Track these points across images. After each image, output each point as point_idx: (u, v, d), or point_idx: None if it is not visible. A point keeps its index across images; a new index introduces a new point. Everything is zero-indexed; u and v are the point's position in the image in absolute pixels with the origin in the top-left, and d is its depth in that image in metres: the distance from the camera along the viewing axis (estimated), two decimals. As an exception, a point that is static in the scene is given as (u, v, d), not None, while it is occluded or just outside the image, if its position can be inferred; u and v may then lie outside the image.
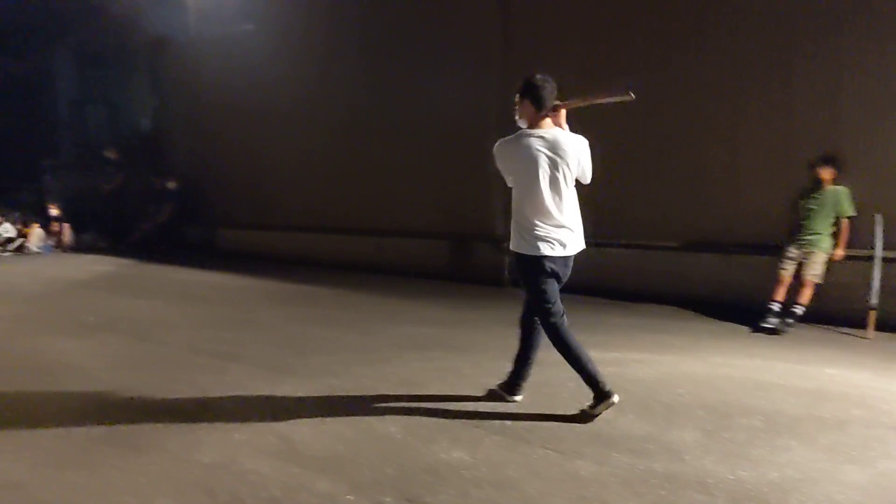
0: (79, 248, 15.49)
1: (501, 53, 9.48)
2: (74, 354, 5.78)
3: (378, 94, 11.17)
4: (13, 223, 15.86)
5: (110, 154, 16.23)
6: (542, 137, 4.09)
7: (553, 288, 4.15)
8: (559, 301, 4.18)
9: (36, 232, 15.40)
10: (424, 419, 4.14)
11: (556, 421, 4.09)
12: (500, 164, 4.27)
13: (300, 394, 4.64)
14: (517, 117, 4.24)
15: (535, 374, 4.88)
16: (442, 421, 4.10)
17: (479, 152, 9.53)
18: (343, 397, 4.56)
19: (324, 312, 7.62)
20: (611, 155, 8.55)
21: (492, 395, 4.50)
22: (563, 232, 4.12)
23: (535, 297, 4.19)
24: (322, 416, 4.21)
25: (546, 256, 4.07)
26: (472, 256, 9.82)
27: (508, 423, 4.06)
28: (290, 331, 6.68)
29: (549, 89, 4.10)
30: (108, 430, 3.98)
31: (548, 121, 4.15)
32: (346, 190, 11.75)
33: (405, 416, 4.18)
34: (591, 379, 4.07)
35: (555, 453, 3.60)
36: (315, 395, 4.62)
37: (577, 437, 3.82)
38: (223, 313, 7.61)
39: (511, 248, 4.25)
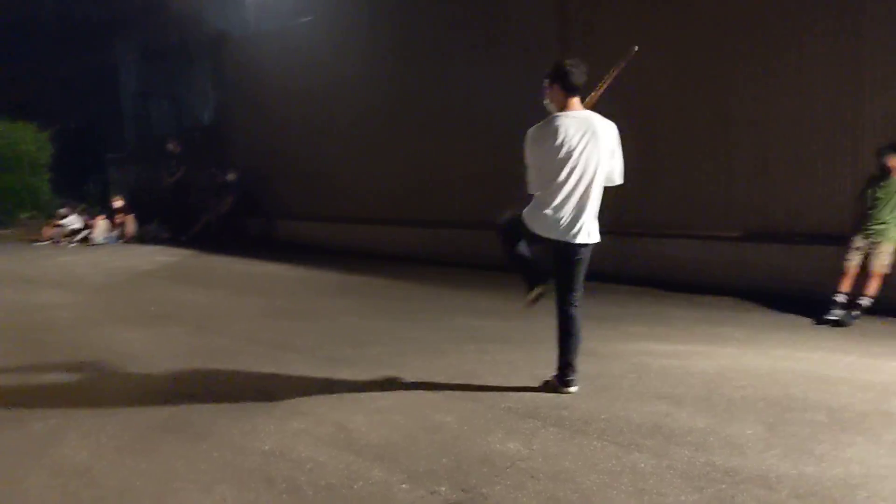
0: (142, 239, 15.88)
1: (557, 41, 9.38)
2: (137, 343, 5.94)
3: (434, 84, 11.17)
4: (80, 215, 16.37)
5: (173, 147, 16.57)
6: (574, 118, 4.18)
7: (527, 239, 4.42)
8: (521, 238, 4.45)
9: (101, 223, 15.84)
10: (480, 410, 4.14)
11: (614, 413, 4.04)
12: (532, 150, 4.32)
13: (357, 384, 4.69)
14: (546, 101, 4.32)
15: (593, 367, 4.86)
16: (497, 412, 4.10)
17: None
18: (399, 388, 4.59)
19: (379, 303, 7.67)
20: (671, 143, 8.51)
21: (548, 387, 4.48)
22: (573, 220, 4.22)
23: (504, 225, 4.57)
24: (378, 405, 4.25)
25: (540, 237, 4.28)
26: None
27: (565, 414, 4.03)
28: (347, 322, 6.74)
29: (579, 73, 4.18)
30: (170, 418, 4.08)
31: (577, 102, 4.23)
32: (402, 181, 11.79)
33: (461, 407, 4.19)
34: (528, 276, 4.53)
35: (612, 445, 3.56)
36: (371, 385, 4.66)
37: (635, 430, 3.76)
38: (281, 304, 7.72)
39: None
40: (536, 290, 4.49)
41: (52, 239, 16.03)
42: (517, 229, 4.45)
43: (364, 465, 3.38)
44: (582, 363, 4.78)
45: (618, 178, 4.39)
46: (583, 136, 4.16)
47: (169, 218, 16.52)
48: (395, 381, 4.73)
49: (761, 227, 7.75)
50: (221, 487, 3.16)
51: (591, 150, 4.16)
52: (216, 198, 15.32)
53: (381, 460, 3.43)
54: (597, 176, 4.22)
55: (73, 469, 3.40)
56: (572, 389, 4.40)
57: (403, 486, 3.16)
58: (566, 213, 4.21)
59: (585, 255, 4.34)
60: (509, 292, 8.08)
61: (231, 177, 15.11)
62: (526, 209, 4.39)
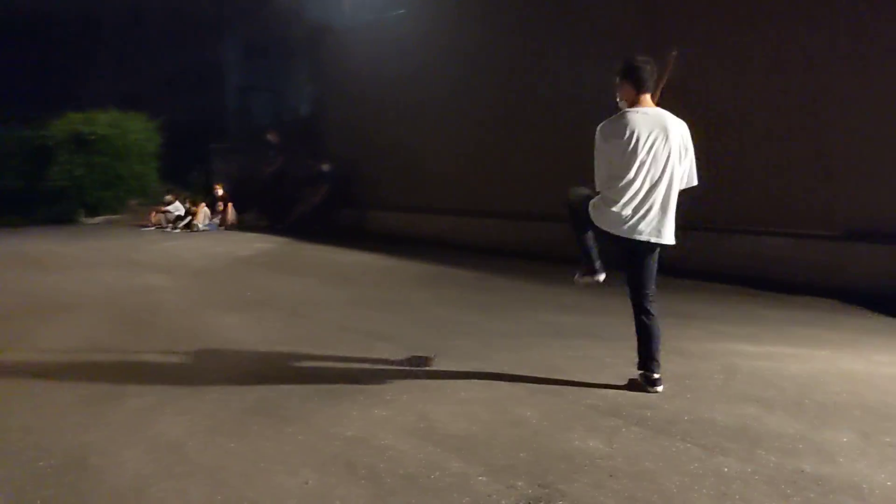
0: (241, 226, 16.44)
1: (644, 37, 9.19)
2: (233, 327, 6.17)
3: (526, 76, 11.12)
4: (183, 202, 17.07)
5: (272, 138, 17.05)
6: (645, 114, 4.16)
7: (594, 233, 4.42)
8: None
9: (203, 210, 16.48)
10: (562, 406, 4.11)
11: (699, 414, 3.94)
12: (601, 145, 4.29)
13: (441, 375, 4.73)
14: (618, 99, 4.31)
15: (680, 366, 4.76)
16: (580, 409, 4.06)
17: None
18: (482, 380, 4.60)
19: (467, 295, 7.71)
20: (767, 138, 8.21)
21: (633, 385, 4.41)
22: (648, 220, 4.18)
23: (573, 210, 4.55)
24: (460, 397, 4.28)
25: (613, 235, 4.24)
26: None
27: (649, 413, 3.96)
28: (434, 313, 6.81)
29: (650, 70, 4.18)
30: (260, 400, 4.23)
31: (648, 99, 4.22)
32: (492, 173, 11.79)
33: (543, 403, 4.17)
34: (586, 257, 4.59)
35: (696, 447, 3.48)
36: (455, 376, 4.69)
37: (721, 432, 3.67)
38: (371, 293, 7.86)
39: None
40: (587, 279, 4.65)
41: (157, 224, 16.80)
42: (585, 217, 4.40)
43: (443, 455, 3.42)
44: (668, 362, 4.71)
45: (693, 180, 4.34)
46: (652, 132, 4.12)
47: (266, 207, 17.03)
48: (479, 373, 4.75)
49: (863, 225, 7.40)
50: (305, 470, 3.26)
51: (661, 148, 4.13)
52: (311, 188, 15.69)
53: (460, 452, 3.46)
54: (667, 174, 4.17)
55: (167, 445, 3.57)
56: (658, 389, 4.33)
57: (481, 478, 3.17)
58: (633, 211, 4.17)
59: (653, 255, 4.33)
60: (597, 288, 8.00)
61: (325, 167, 15.44)
62: (592, 202, 4.35)
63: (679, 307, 6.74)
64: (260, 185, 17.40)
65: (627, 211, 4.16)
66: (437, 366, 4.92)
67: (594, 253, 4.57)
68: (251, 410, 4.06)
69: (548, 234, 10.62)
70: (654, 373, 4.34)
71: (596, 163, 4.34)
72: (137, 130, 20.11)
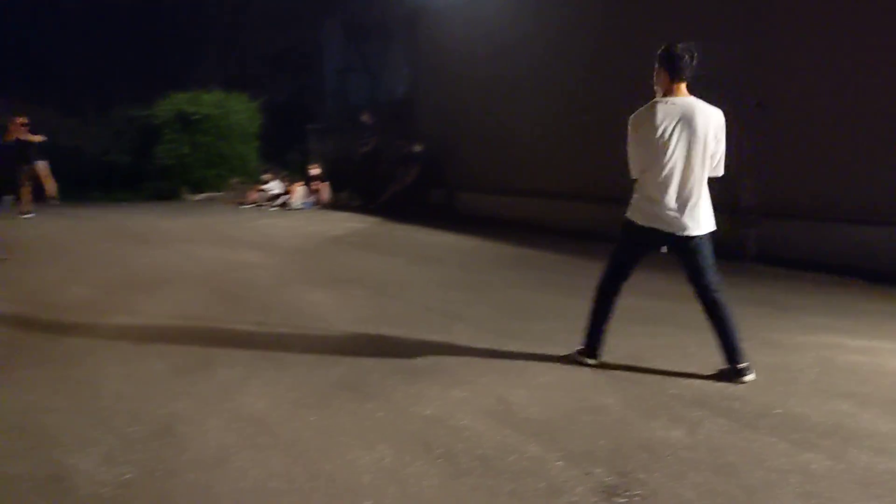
0: (335, 205, 16.75)
1: (742, 20, 8.80)
2: (321, 305, 6.29)
3: (613, 58, 10.85)
4: (281, 181, 17.51)
5: (366, 119, 17.25)
6: (674, 104, 4.10)
7: (631, 258, 4.47)
8: (630, 266, 4.48)
9: (299, 190, 16.86)
10: (645, 394, 4.02)
11: (789, 408, 3.78)
12: (632, 135, 4.28)
13: (521, 358, 4.69)
14: (655, 87, 4.26)
15: (772, 358, 4.59)
16: (663, 398, 3.95)
17: (725, 114, 9.01)
18: (563, 365, 4.54)
19: (551, 278, 7.62)
20: (868, 126, 7.75)
21: (721, 375, 4.26)
22: (678, 209, 4.15)
23: (610, 260, 4.56)
24: (541, 381, 4.23)
25: (649, 228, 4.22)
26: (718, 227, 9.29)
27: (736, 405, 3.82)
28: (518, 295, 6.76)
29: (688, 59, 4.09)
30: (342, 376, 4.29)
31: (682, 88, 4.14)
32: (580, 155, 11.58)
33: (625, 390, 4.08)
34: (593, 336, 4.47)
35: (784, 443, 3.33)
36: (536, 360, 4.64)
37: (811, 428, 3.50)
38: (456, 274, 7.87)
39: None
40: (585, 359, 4.53)
41: (255, 203, 17.30)
42: (610, 291, 4.54)
43: (520, 439, 3.38)
44: (758, 353, 4.55)
45: (719, 170, 4.27)
46: (682, 122, 4.07)
47: (360, 187, 17.27)
48: (561, 357, 4.68)
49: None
50: (382, 447, 3.29)
51: (690, 137, 4.07)
52: (403, 168, 15.80)
53: (538, 436, 3.42)
54: (698, 163, 4.12)
55: (251, 416, 3.67)
56: (747, 379, 4.18)
57: (558, 463, 3.13)
58: (670, 203, 4.15)
59: (700, 246, 4.24)
60: (683, 274, 7.78)
61: (417, 148, 15.52)
62: (630, 203, 4.37)
63: (772, 297, 6.48)
64: (354, 165, 17.65)
65: (664, 204, 4.14)
66: (517, 348, 4.88)
67: (604, 325, 4.54)
68: (333, 385, 4.13)
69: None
70: (740, 363, 4.20)
71: (629, 153, 4.34)
72: (239, 111, 20.70)
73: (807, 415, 3.67)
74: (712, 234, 4.30)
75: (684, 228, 4.16)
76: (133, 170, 20.68)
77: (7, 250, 9.08)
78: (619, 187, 10.97)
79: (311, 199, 16.86)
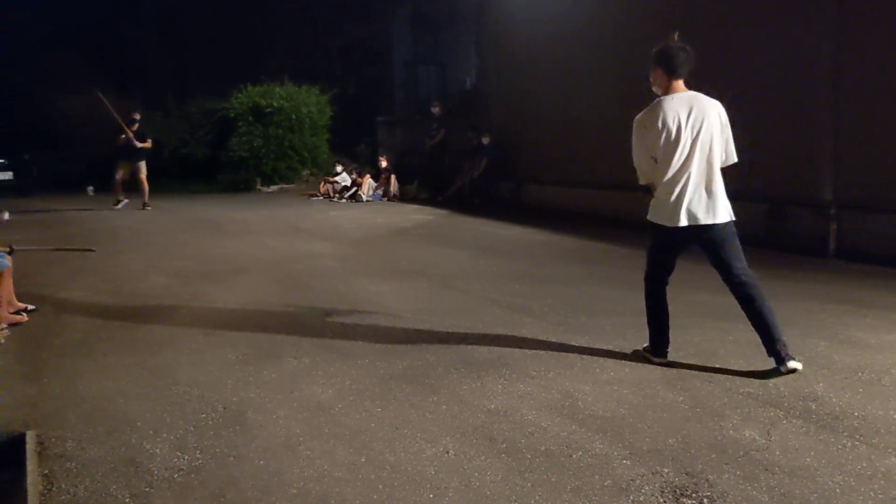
0: (403, 198, 16.84)
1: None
2: (387, 296, 6.33)
3: (685, 42, 10.58)
4: (350, 173, 17.70)
5: (435, 110, 17.27)
6: (678, 99, 4.18)
7: (667, 257, 4.47)
8: (669, 265, 4.50)
9: (368, 182, 17.02)
10: (716, 392, 3.91)
11: (871, 411, 3.62)
12: (640, 138, 4.33)
13: (588, 353, 4.63)
14: (653, 87, 4.36)
15: (853, 358, 4.42)
16: (736, 396, 3.84)
17: (803, 107, 8.68)
18: (631, 361, 4.46)
19: (620, 272, 7.48)
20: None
21: (774, 372, 4.11)
22: (700, 202, 4.16)
23: (648, 261, 4.55)
24: (608, 377, 4.17)
25: (674, 228, 4.21)
26: (789, 223, 8.99)
27: (813, 406, 3.68)
28: (584, 289, 6.67)
29: (683, 57, 4.20)
30: (407, 368, 4.32)
31: (681, 84, 4.24)
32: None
33: (695, 387, 3.99)
34: (656, 336, 4.45)
35: (865, 446, 3.20)
36: (603, 355, 4.58)
37: (894, 432, 3.35)
38: (522, 267, 7.82)
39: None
40: (651, 357, 4.47)
41: (325, 194, 17.55)
42: (657, 290, 4.56)
43: (586, 435, 3.34)
44: (840, 353, 4.42)
45: (732, 157, 4.33)
46: (689, 116, 4.13)
47: (427, 179, 17.32)
48: (628, 353, 4.61)
49: None
50: (445, 440, 3.29)
51: (700, 130, 4.13)
52: (471, 160, 15.77)
53: (603, 433, 3.37)
54: (708, 155, 4.18)
55: (317, 405, 3.72)
56: (791, 364, 4.08)
57: (625, 461, 3.08)
58: (687, 198, 4.16)
59: (723, 235, 4.23)
60: (760, 269, 7.54)
61: (485, 140, 15.46)
62: (650, 210, 4.40)
63: (854, 294, 6.23)
64: (422, 157, 17.71)
65: (682, 199, 4.15)
66: (584, 343, 4.82)
67: (665, 324, 4.52)
68: (398, 377, 4.16)
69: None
70: (783, 352, 4.09)
71: (635, 155, 4.38)
72: (310, 103, 20.99)
73: (890, 418, 3.51)
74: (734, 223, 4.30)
75: (705, 219, 4.17)
76: (209, 162, 21.23)
77: (93, 242, 9.44)
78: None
79: (380, 191, 16.99)
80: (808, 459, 3.08)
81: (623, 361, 4.44)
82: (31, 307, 5.73)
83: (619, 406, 3.71)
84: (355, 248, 9.22)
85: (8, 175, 21.57)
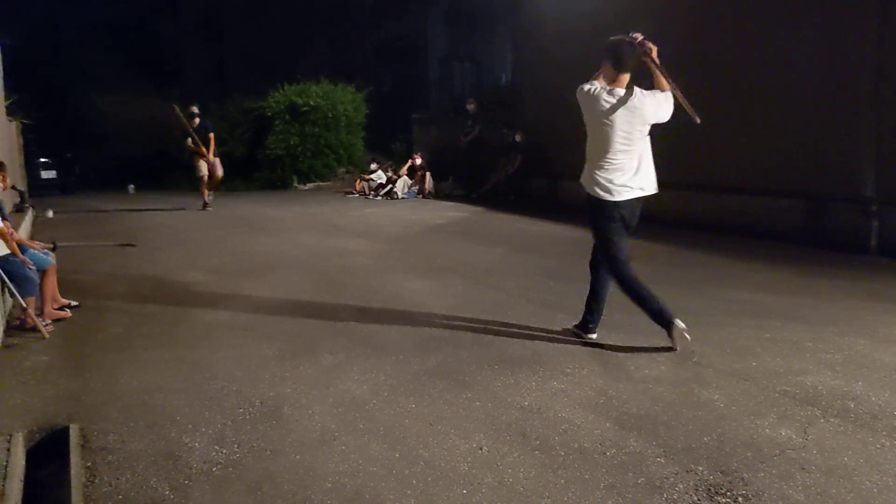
0: (437, 195, 16.88)
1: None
2: (421, 292, 6.37)
3: (728, 39, 10.43)
4: (385, 171, 17.79)
5: (470, 107, 17.27)
6: (620, 91, 4.56)
7: (618, 229, 4.69)
8: (623, 243, 4.75)
9: (403, 179, 17.09)
10: (752, 391, 3.87)
11: (911, 410, 3.56)
12: (588, 124, 4.75)
13: (623, 350, 4.62)
14: (603, 78, 4.68)
15: (893, 357, 4.33)
16: (772, 395, 3.80)
17: (844, 103, 8.52)
18: (667, 359, 4.44)
19: (655, 269, 7.41)
20: None
21: (567, 333, 4.85)
22: (634, 177, 4.62)
23: (607, 243, 4.75)
24: (642, 375, 4.15)
25: (618, 201, 4.60)
26: (829, 219, 8.84)
27: (851, 405, 3.63)
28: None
29: (628, 51, 4.56)
30: (440, 364, 4.34)
31: (625, 78, 4.60)
32: (686, 143, 11.20)
33: (731, 385, 3.95)
34: (656, 314, 4.59)
35: (905, 447, 3.15)
36: (638, 353, 4.56)
37: (936, 433, 3.29)
38: (556, 264, 7.80)
39: (587, 191, 4.79)
40: (677, 328, 4.55)
41: (361, 192, 17.66)
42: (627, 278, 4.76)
43: (620, 433, 3.33)
44: (879, 351, 4.39)
45: (665, 116, 4.76)
46: (626, 106, 4.52)
47: (462, 176, 17.34)
48: (664, 351, 4.58)
49: None
50: (479, 436, 3.31)
51: (632, 118, 4.53)
52: (505, 157, 15.76)
53: (638, 431, 3.36)
54: (644, 139, 4.66)
55: (352, 401, 3.76)
56: (592, 336, 4.78)
57: (659, 459, 3.07)
58: (627, 177, 4.61)
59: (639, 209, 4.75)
60: (800, 266, 7.48)
61: (519, 137, 15.43)
62: (596, 183, 4.70)
63: (894, 292, 6.13)
64: (456, 154, 17.73)
65: (623, 179, 4.59)
66: (619, 341, 4.81)
67: (662, 306, 4.67)
68: (431, 373, 4.18)
69: (750, 207, 10.02)
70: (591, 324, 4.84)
71: (588, 140, 4.78)
72: (346, 101, 21.13)
73: (930, 418, 3.46)
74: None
75: (640, 192, 4.67)
76: (247, 160, 21.48)
77: (134, 239, 9.63)
78: (727, 176, 10.67)
79: (415, 188, 17.05)
80: (845, 459, 3.04)
81: (658, 359, 4.42)
82: (74, 303, 5.87)
83: (653, 404, 3.69)
84: (390, 245, 9.27)
85: (51, 174, 22.05)
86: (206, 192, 14.28)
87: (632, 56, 4.58)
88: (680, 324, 4.49)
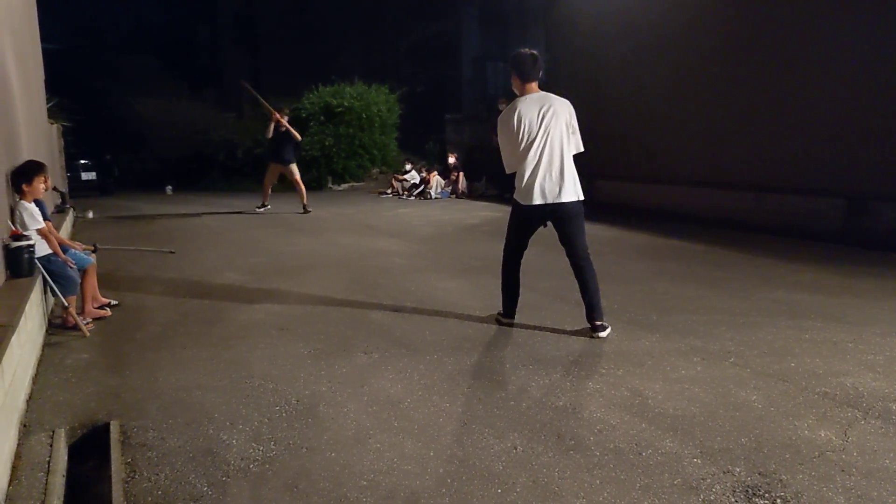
0: (471, 195, 16.88)
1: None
2: (454, 292, 6.38)
3: (761, 33, 10.30)
4: (419, 171, 17.83)
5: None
6: (532, 99, 4.86)
7: (523, 233, 5.10)
8: (524, 242, 5.15)
9: (436, 179, 17.12)
10: (791, 391, 3.82)
11: (956, 413, 3.48)
12: (501, 134, 4.99)
13: (658, 350, 4.58)
14: (514, 89, 4.97)
15: (935, 357, 4.24)
16: (811, 396, 3.75)
17: (886, 100, 8.36)
18: (703, 359, 4.39)
19: (692, 269, 7.36)
20: None
21: (581, 332, 4.98)
22: (551, 183, 4.81)
23: (508, 235, 5.17)
24: (678, 375, 4.11)
25: (533, 206, 4.84)
26: (872, 218, 8.68)
27: (893, 406, 3.57)
28: (655, 286, 6.58)
29: (531, 62, 4.85)
30: (475, 364, 4.34)
31: (534, 86, 4.89)
32: (725, 141, 11.11)
33: (769, 386, 3.90)
34: (509, 303, 5.25)
35: (949, 450, 3.09)
36: (674, 353, 4.52)
37: (981, 436, 3.21)
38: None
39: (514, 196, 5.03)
40: (504, 319, 5.25)
41: (395, 192, 17.73)
42: (509, 263, 5.23)
43: (656, 434, 3.31)
44: (922, 352, 4.24)
45: (580, 146, 4.99)
46: (539, 112, 4.80)
47: (496, 176, 17.32)
48: (700, 351, 4.54)
49: None
50: (513, 436, 3.30)
51: (550, 125, 4.80)
52: (539, 156, 15.69)
53: (674, 432, 3.33)
54: (560, 145, 4.83)
55: (386, 400, 3.78)
56: (602, 335, 4.87)
57: (695, 460, 3.04)
58: (545, 181, 4.80)
59: (570, 214, 4.89)
60: (839, 265, 7.35)
61: (553, 136, 15.36)
62: (515, 192, 4.98)
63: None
64: (490, 154, 17.72)
65: (537, 184, 4.80)
66: (654, 342, 4.77)
67: (516, 293, 5.28)
68: (465, 373, 4.19)
69: (788, 206, 9.88)
70: (598, 320, 4.91)
71: (502, 151, 5.02)
72: (380, 102, 21.22)
73: (975, 420, 3.38)
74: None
75: (559, 196, 4.81)
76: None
77: (171, 242, 9.77)
78: (762, 174, 10.53)
79: (448, 188, 17.07)
80: (886, 461, 2.99)
81: (694, 360, 4.38)
82: (113, 302, 5.98)
83: (689, 404, 3.66)
84: (423, 245, 9.29)
85: (91, 175, 22.45)
86: (304, 193, 13.77)
87: (535, 67, 4.87)
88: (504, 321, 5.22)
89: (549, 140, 4.81)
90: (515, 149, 4.88)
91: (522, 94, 4.91)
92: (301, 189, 13.78)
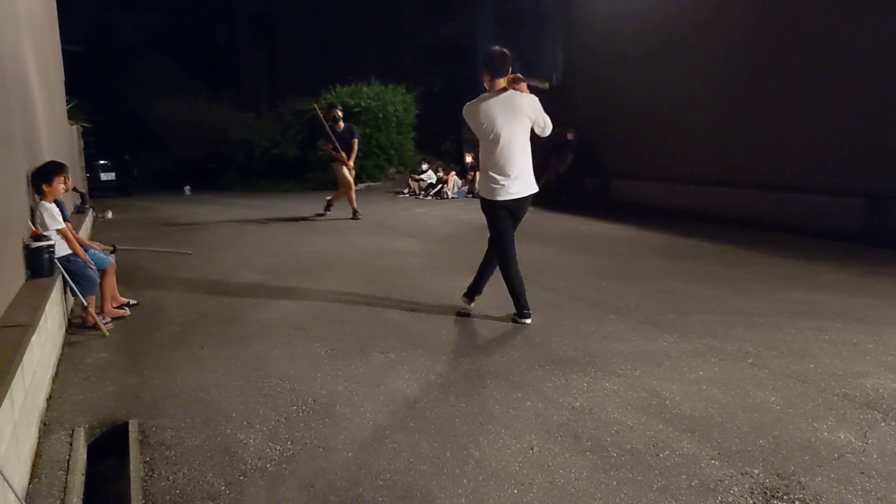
0: (487, 195, 16.85)
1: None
2: (472, 292, 6.36)
3: (780, 27, 10.21)
4: (436, 171, 17.84)
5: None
6: (496, 96, 5.01)
7: (506, 224, 5.19)
8: (510, 234, 5.24)
9: (453, 179, 17.12)
10: (810, 393, 3.79)
11: (978, 416, 3.44)
12: (470, 124, 5.17)
13: (676, 351, 4.56)
14: (485, 85, 5.12)
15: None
16: (831, 397, 3.71)
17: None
18: (721, 360, 4.37)
19: (710, 269, 7.32)
20: None
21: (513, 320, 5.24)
22: (515, 180, 5.02)
23: (492, 231, 5.28)
24: (696, 376, 4.09)
25: (501, 201, 5.05)
26: (892, 217, 8.59)
27: (913, 409, 3.53)
28: (672, 286, 6.55)
29: (500, 59, 4.98)
30: (491, 364, 4.34)
31: (500, 83, 5.01)
32: (743, 139, 11.03)
33: (788, 387, 3.87)
34: (517, 299, 5.27)
35: (971, 453, 3.05)
36: (691, 354, 4.49)
37: None
38: (608, 264, 7.73)
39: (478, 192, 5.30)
40: (523, 320, 5.28)
41: (411, 192, 17.74)
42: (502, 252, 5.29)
43: (673, 435, 3.29)
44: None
45: (547, 131, 5.15)
46: (503, 110, 4.96)
47: (512, 175, 17.30)
48: (718, 352, 4.51)
49: None
50: (530, 436, 3.30)
51: (510, 120, 4.96)
52: (557, 156, 15.66)
53: (691, 433, 3.31)
54: (520, 139, 5.01)
55: (403, 399, 3.79)
56: (527, 321, 5.19)
57: (713, 462, 3.02)
58: (506, 177, 5.01)
59: (526, 206, 5.20)
60: (859, 265, 7.28)
61: (570, 136, 15.32)
62: (480, 189, 5.25)
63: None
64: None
65: (503, 179, 5.01)
66: (672, 342, 4.75)
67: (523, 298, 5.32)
68: (481, 373, 4.19)
69: (807, 205, 9.79)
70: (527, 307, 5.24)
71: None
72: (397, 102, 21.25)
73: None
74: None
75: (517, 193, 5.04)
76: (299, 161, 21.76)
77: (190, 240, 9.84)
78: (780, 174, 10.45)
79: (465, 188, 17.06)
80: (908, 464, 2.96)
81: (712, 360, 4.35)
82: (132, 301, 6.03)
83: (707, 405, 3.64)
84: (440, 245, 9.30)
85: (111, 175, 22.61)
86: (354, 197, 12.75)
87: (505, 65, 5.00)
88: (528, 322, 5.25)
89: (511, 135, 4.98)
90: (481, 143, 5.12)
91: (490, 89, 5.07)
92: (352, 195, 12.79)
